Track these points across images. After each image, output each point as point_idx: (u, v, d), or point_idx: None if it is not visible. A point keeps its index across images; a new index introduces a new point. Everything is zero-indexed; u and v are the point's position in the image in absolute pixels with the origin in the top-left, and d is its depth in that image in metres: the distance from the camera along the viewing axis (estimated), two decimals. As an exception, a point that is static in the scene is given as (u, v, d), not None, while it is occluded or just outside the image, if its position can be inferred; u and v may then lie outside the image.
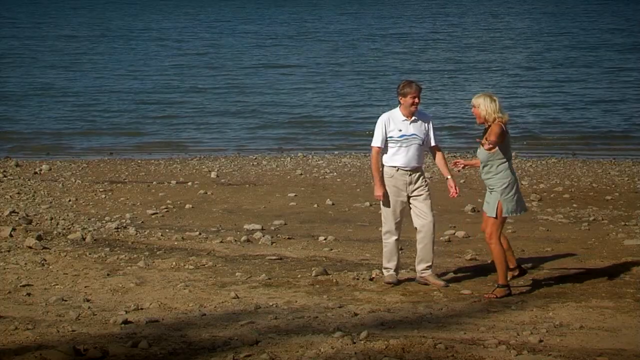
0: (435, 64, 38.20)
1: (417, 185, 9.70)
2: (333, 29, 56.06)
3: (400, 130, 9.65)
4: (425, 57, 40.69)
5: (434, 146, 9.84)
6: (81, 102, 30.64)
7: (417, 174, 9.71)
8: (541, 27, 54.37)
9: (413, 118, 9.65)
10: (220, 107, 29.48)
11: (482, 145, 9.32)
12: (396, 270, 9.88)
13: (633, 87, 31.52)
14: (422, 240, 9.74)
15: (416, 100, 9.61)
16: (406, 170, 9.67)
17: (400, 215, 9.78)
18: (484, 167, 9.39)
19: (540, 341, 7.52)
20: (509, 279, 9.47)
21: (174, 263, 10.75)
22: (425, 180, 9.84)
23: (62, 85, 34.30)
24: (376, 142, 9.71)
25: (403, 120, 9.67)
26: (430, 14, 67.31)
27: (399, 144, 9.65)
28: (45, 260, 10.75)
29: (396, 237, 9.80)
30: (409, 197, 9.74)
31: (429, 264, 9.77)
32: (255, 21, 62.22)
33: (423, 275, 9.76)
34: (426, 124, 9.73)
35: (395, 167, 9.69)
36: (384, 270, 9.87)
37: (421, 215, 9.72)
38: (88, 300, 9.02)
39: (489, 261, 10.81)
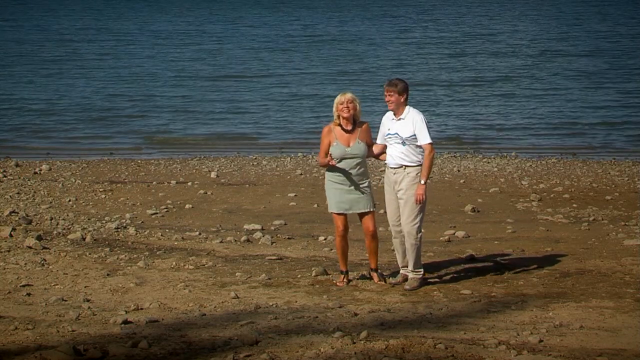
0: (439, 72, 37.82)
1: (400, 187, 9.59)
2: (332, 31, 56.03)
3: (389, 129, 9.68)
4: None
5: (420, 145, 9.51)
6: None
7: (403, 174, 9.54)
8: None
9: (400, 117, 9.60)
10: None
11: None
12: (406, 266, 9.79)
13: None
14: (406, 243, 9.65)
15: (386, 96, 9.56)
16: (390, 168, 9.68)
17: (395, 213, 9.70)
18: (357, 163, 9.60)
19: (540, 341, 7.52)
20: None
21: (174, 263, 10.75)
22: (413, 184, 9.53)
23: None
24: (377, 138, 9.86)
25: (392, 119, 9.69)
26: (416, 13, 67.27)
27: (389, 142, 9.69)
28: (45, 260, 10.75)
29: (395, 236, 9.77)
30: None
31: (410, 268, 9.67)
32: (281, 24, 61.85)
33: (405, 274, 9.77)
34: (413, 123, 9.50)
35: (386, 163, 9.74)
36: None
37: (402, 219, 9.66)
38: (88, 300, 9.02)
39: (489, 262, 10.84)
